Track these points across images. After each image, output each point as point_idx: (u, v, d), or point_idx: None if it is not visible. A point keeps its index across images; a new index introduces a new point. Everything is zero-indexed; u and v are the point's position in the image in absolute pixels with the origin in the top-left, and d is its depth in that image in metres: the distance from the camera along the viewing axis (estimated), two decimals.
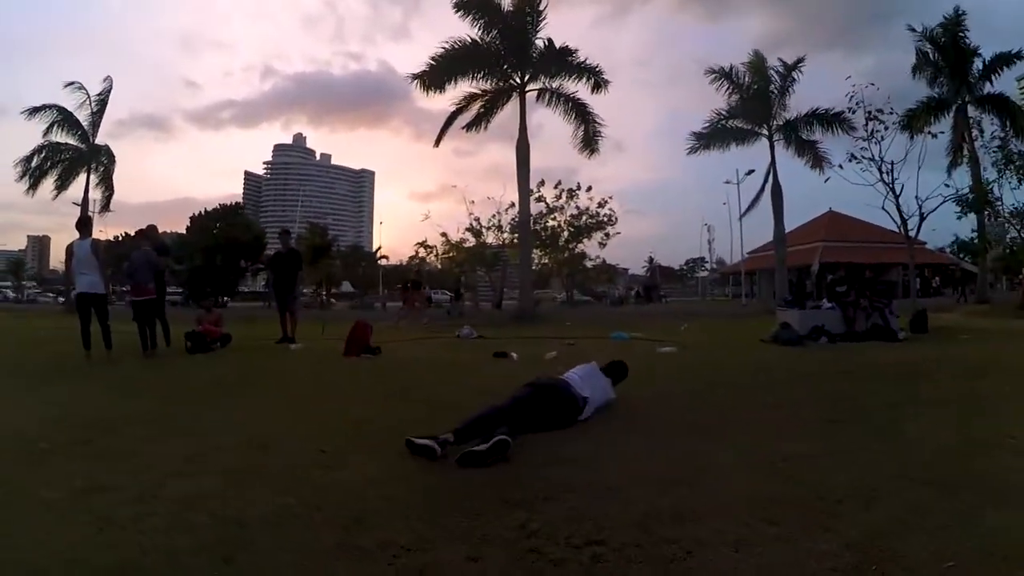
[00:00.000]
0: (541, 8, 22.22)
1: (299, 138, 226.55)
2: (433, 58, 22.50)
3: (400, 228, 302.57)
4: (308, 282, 44.60)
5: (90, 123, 30.86)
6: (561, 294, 55.00)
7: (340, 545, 2.44)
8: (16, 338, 14.60)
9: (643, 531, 2.52)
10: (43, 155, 30.54)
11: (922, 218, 19.30)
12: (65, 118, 30.30)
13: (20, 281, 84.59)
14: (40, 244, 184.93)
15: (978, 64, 27.25)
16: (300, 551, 2.41)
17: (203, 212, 55.22)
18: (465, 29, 22.39)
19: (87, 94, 30.51)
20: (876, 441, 4.09)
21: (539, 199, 33.72)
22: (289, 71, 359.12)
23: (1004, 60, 27.04)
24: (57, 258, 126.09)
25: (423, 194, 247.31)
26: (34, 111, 29.99)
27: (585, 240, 37.15)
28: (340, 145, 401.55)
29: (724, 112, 27.63)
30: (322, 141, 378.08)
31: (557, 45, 22.45)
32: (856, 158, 18.69)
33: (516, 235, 29.44)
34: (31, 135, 30.98)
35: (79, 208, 30.81)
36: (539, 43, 22.58)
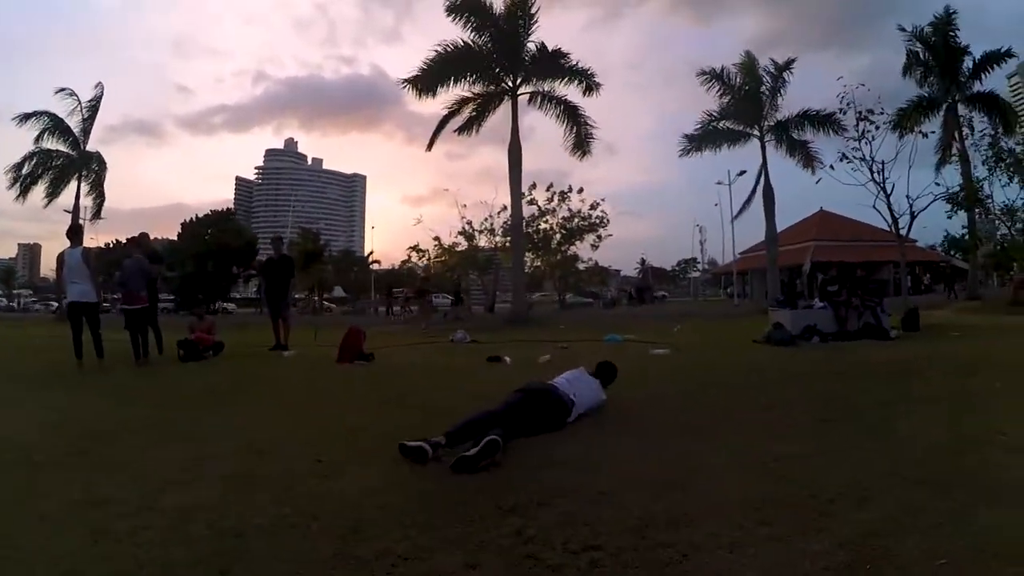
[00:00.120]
0: (533, 11, 22.27)
1: (291, 143, 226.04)
2: (425, 62, 22.51)
3: (392, 232, 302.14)
4: (300, 287, 44.48)
5: (81, 130, 30.79)
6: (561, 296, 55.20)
7: (337, 555, 2.44)
8: (11, 346, 14.54)
9: (638, 535, 2.54)
10: (34, 162, 30.40)
11: (913, 217, 19.45)
12: (56, 125, 30.18)
13: (11, 289, 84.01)
14: (31, 252, 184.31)
15: (968, 63, 27.43)
16: (297, 561, 2.41)
17: (195, 218, 55.05)
18: (457, 32, 22.44)
19: (78, 100, 30.48)
20: (868, 440, 4.12)
21: (531, 202, 33.78)
22: (281, 75, 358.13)
23: (994, 58, 27.23)
24: (48, 266, 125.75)
25: (415, 198, 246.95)
26: (25, 117, 29.85)
27: (577, 242, 37.24)
28: (332, 149, 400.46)
29: (715, 113, 27.77)
30: (314, 145, 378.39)
31: (549, 48, 22.51)
32: (847, 158, 18.83)
33: (508, 238, 29.45)
34: (22, 141, 30.88)
35: (70, 215, 30.68)
36: (531, 46, 22.65)
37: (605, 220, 36.67)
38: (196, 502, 3.04)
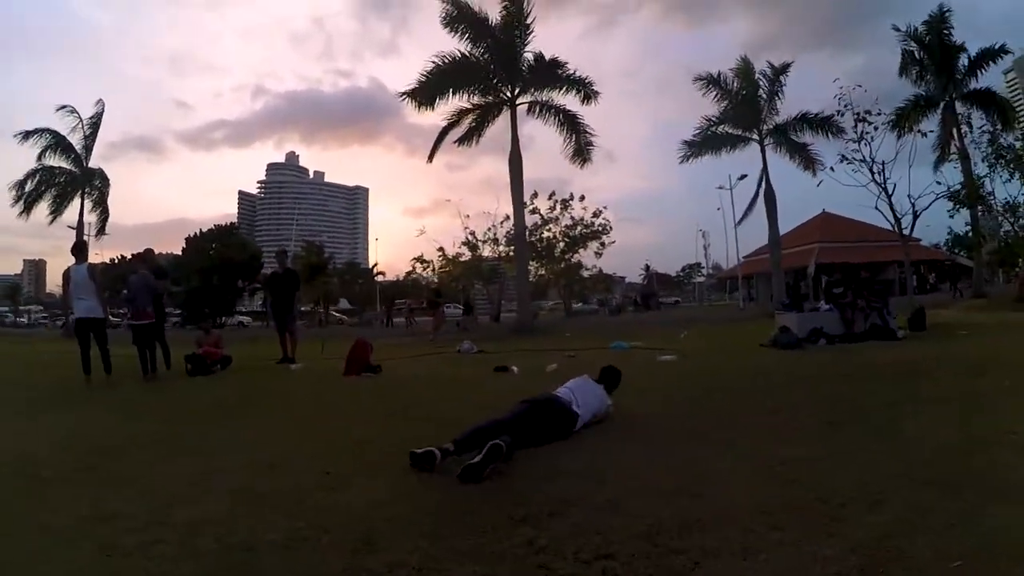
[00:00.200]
0: (528, 22, 22.37)
1: (292, 156, 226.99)
2: (423, 74, 22.61)
3: (395, 244, 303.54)
4: (306, 300, 44.57)
5: (83, 146, 30.94)
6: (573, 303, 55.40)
7: (348, 568, 2.44)
8: (19, 362, 14.59)
9: (650, 543, 2.53)
10: (37, 179, 30.55)
11: (915, 216, 19.44)
12: (58, 142, 30.35)
13: (17, 305, 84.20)
14: (36, 268, 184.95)
15: (964, 61, 27.40)
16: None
17: (199, 233, 55.18)
18: (454, 44, 22.56)
19: (79, 118, 30.63)
20: (876, 442, 4.10)
21: (533, 211, 33.89)
22: (280, 90, 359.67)
23: (989, 55, 27.22)
24: (53, 281, 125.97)
25: (417, 209, 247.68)
26: (27, 135, 30.03)
27: (581, 250, 37.27)
28: (333, 162, 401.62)
29: (714, 119, 27.78)
30: (315, 159, 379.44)
31: (546, 58, 22.59)
32: (847, 159, 18.84)
33: (512, 248, 29.47)
34: (25, 158, 31.10)
35: (75, 231, 30.86)
36: (528, 56, 22.75)
37: (608, 227, 36.73)
38: (205, 516, 3.05)
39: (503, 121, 23.96)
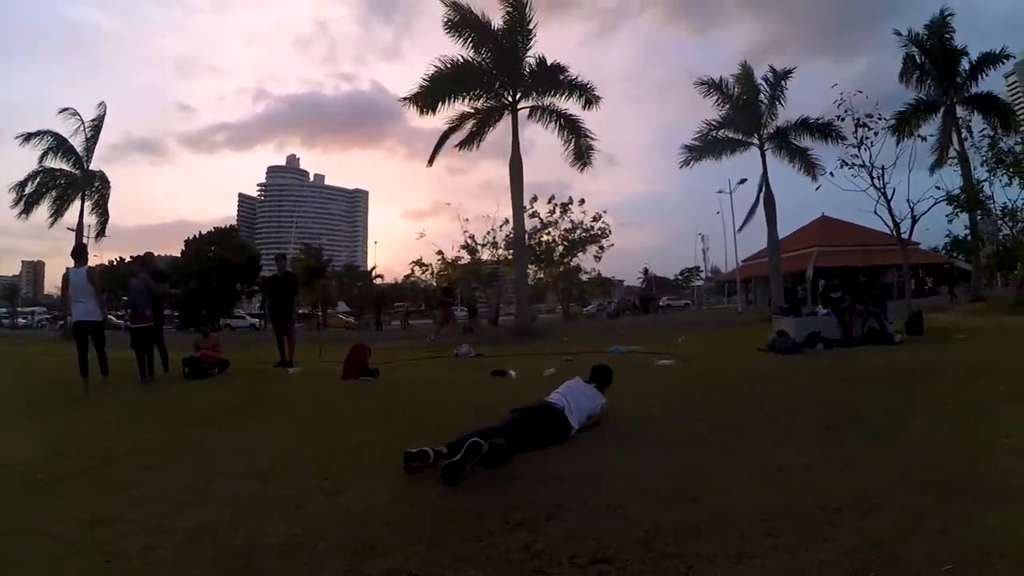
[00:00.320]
0: (531, 27, 22.33)
1: (292, 159, 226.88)
2: (425, 78, 22.59)
3: (395, 247, 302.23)
4: (304, 303, 44.54)
5: (84, 149, 30.85)
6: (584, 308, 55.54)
7: (347, 572, 2.46)
8: (18, 364, 14.58)
9: (645, 547, 2.56)
10: (37, 181, 30.51)
11: (914, 220, 19.44)
12: (59, 144, 30.24)
13: (15, 307, 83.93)
14: (35, 269, 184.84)
15: (965, 65, 27.38)
16: None
17: (198, 235, 55.16)
18: (456, 49, 22.52)
19: (81, 120, 30.55)
20: (873, 446, 4.13)
21: (533, 214, 33.85)
22: (282, 93, 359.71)
23: (991, 59, 27.15)
24: (52, 283, 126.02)
25: (417, 212, 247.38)
26: (28, 137, 29.99)
27: (580, 254, 37.28)
28: (333, 165, 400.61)
29: (715, 123, 27.76)
30: (315, 162, 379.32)
31: (548, 62, 22.58)
32: (847, 164, 18.84)
33: (511, 251, 29.49)
34: (27, 159, 30.96)
35: (74, 233, 30.81)
36: (530, 61, 22.69)
37: (607, 231, 36.76)
38: (205, 521, 3.06)
39: (504, 125, 23.94)
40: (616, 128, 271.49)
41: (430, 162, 25.11)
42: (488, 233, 34.89)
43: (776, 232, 27.80)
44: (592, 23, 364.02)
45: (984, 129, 24.58)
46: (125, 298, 10.18)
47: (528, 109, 23.71)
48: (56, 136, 30.27)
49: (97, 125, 31.10)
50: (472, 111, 23.65)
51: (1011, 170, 22.17)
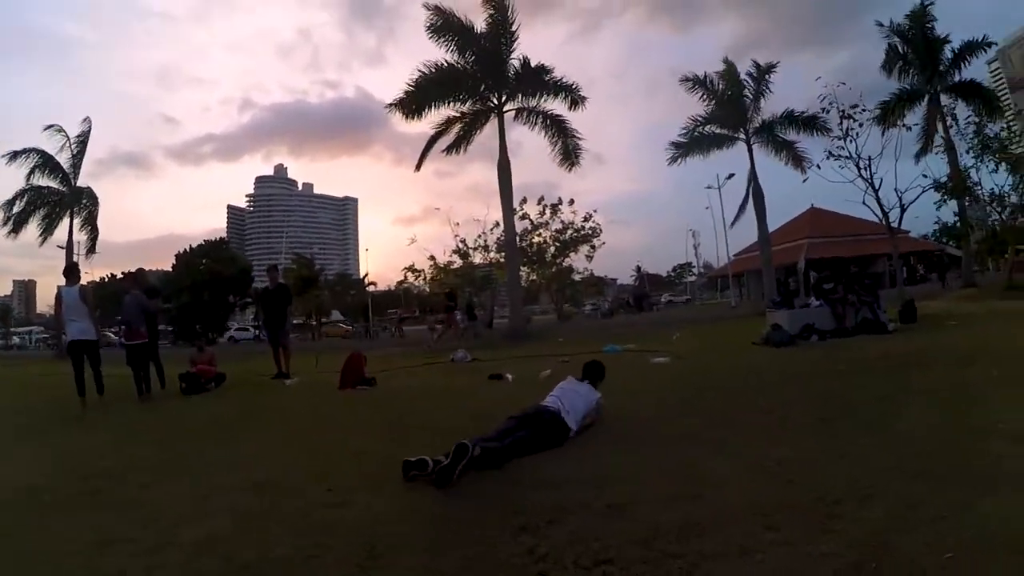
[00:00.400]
0: (514, 29, 22.37)
1: (280, 169, 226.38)
2: (410, 84, 22.59)
3: (386, 253, 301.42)
4: (298, 313, 44.40)
5: (71, 165, 30.68)
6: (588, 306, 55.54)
7: None
8: (16, 384, 14.51)
9: (648, 547, 2.58)
10: (25, 199, 30.34)
11: (903, 209, 19.59)
12: (46, 161, 30.05)
13: (8, 327, 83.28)
14: (26, 288, 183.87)
15: (948, 53, 27.50)
16: None
17: (189, 249, 54.95)
18: (440, 53, 22.54)
19: (66, 136, 30.40)
20: (869, 437, 4.17)
21: (523, 216, 33.84)
22: (266, 102, 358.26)
23: (973, 47, 27.26)
24: (44, 302, 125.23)
25: (407, 218, 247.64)
26: (14, 156, 29.80)
27: (572, 254, 37.26)
28: (322, 174, 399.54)
29: (700, 119, 27.82)
30: (303, 171, 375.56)
31: (532, 64, 22.61)
32: (833, 156, 18.97)
33: (503, 254, 29.48)
34: (13, 177, 30.78)
35: (64, 251, 30.63)
36: (514, 63, 22.74)
37: (598, 230, 36.77)
38: (209, 537, 3.07)
39: (491, 128, 23.95)
40: (603, 127, 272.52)
41: (418, 167, 25.12)
42: (479, 236, 34.84)
43: (766, 226, 27.90)
44: (575, 23, 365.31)
45: (969, 116, 24.75)
46: (118, 317, 10.15)
47: (514, 111, 23.74)
48: (42, 153, 30.11)
49: (83, 141, 30.94)
50: (458, 115, 23.67)
51: (997, 156, 22.35)
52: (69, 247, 31.04)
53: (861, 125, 18.91)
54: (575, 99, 23.11)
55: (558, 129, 23.56)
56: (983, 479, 3.10)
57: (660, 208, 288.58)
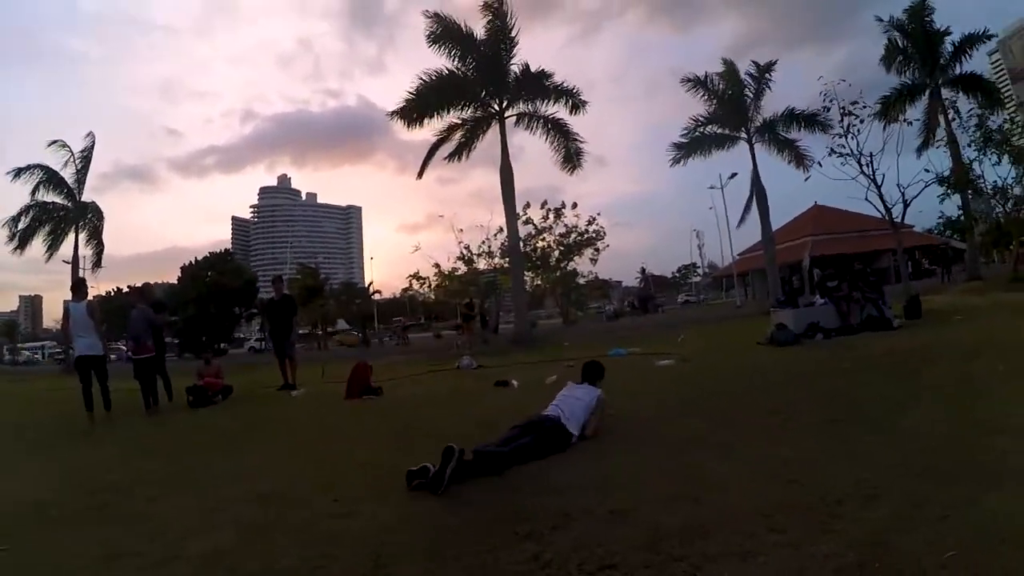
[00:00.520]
0: (513, 35, 22.40)
1: (284, 179, 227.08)
2: (411, 92, 22.64)
3: (391, 261, 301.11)
4: (304, 323, 44.45)
5: (75, 180, 30.79)
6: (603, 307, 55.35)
7: None
8: (22, 400, 14.57)
9: (652, 551, 2.59)
10: (30, 216, 30.48)
11: (906, 204, 19.54)
12: (50, 177, 30.17)
13: (15, 343, 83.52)
14: (32, 304, 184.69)
15: (948, 46, 27.39)
16: None
17: (194, 261, 55.10)
18: (441, 61, 22.56)
19: (70, 152, 30.52)
20: (873, 436, 4.16)
21: (527, 221, 33.86)
22: (269, 113, 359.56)
23: (974, 40, 27.15)
24: (50, 316, 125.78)
25: (411, 225, 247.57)
26: (19, 172, 29.95)
27: (576, 258, 37.26)
28: (325, 183, 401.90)
29: (702, 119, 27.81)
30: (307, 180, 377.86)
31: (533, 69, 22.64)
32: (835, 153, 18.95)
33: (507, 259, 29.48)
34: (19, 193, 30.94)
35: (70, 266, 30.75)
36: (514, 69, 22.78)
37: (601, 233, 36.76)
38: (217, 549, 3.09)
39: (492, 134, 23.97)
40: (604, 129, 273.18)
41: (420, 175, 25.15)
42: (483, 242, 34.87)
43: (770, 225, 27.87)
44: (574, 26, 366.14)
45: (972, 109, 24.64)
46: (125, 333, 10.22)
47: (515, 117, 23.78)
48: (46, 169, 30.25)
49: (87, 156, 31.06)
50: (460, 122, 23.71)
51: (1000, 148, 22.28)
52: (75, 262, 31.18)
53: (862, 121, 18.88)
54: (576, 103, 23.15)
55: (559, 133, 23.59)
56: (987, 475, 3.11)
57: (664, 209, 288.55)
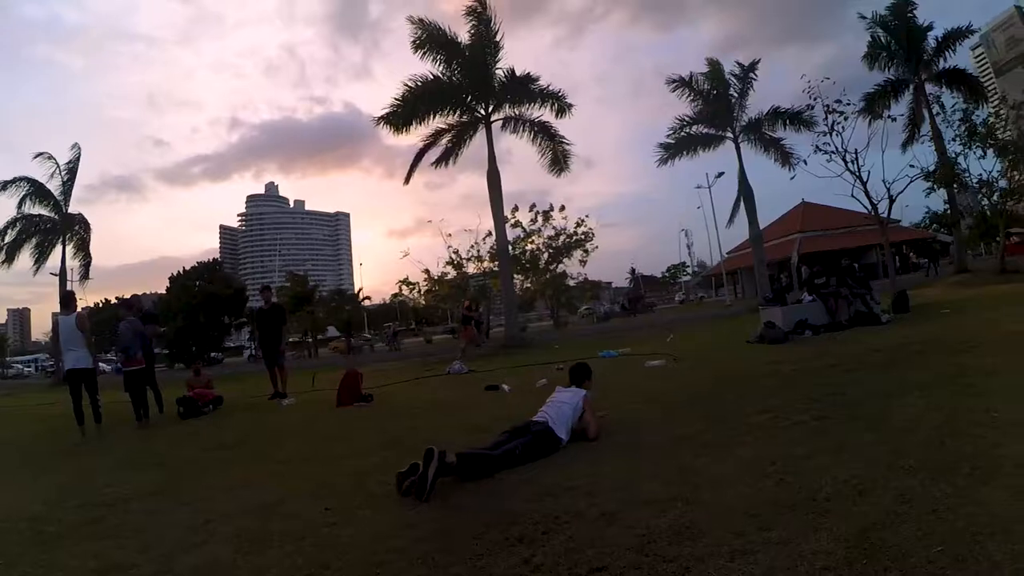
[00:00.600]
0: (498, 39, 22.44)
1: (271, 187, 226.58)
2: (397, 98, 22.63)
3: (380, 267, 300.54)
4: (294, 331, 44.29)
5: (62, 192, 30.65)
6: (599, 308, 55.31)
7: None
8: (14, 414, 14.46)
9: (642, 554, 2.61)
10: (17, 229, 30.30)
11: (891, 200, 19.65)
12: (36, 190, 30.06)
13: (4, 356, 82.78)
14: (20, 317, 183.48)
15: (931, 42, 27.56)
16: None
17: (182, 271, 54.81)
18: (426, 66, 22.59)
19: (56, 164, 30.37)
20: (862, 431, 4.18)
21: (515, 224, 33.86)
22: (255, 120, 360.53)
23: (957, 35, 27.30)
24: (39, 329, 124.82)
25: (400, 231, 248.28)
26: (5, 185, 29.78)
27: (565, 260, 37.28)
28: (312, 190, 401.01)
29: (687, 119, 27.89)
30: (294, 188, 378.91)
31: (518, 73, 22.68)
32: (820, 150, 19.03)
33: (496, 263, 29.46)
34: (4, 207, 30.84)
35: (57, 278, 30.62)
36: (500, 73, 22.80)
37: (590, 235, 36.80)
38: (210, 562, 3.09)
39: (479, 138, 23.97)
40: (590, 131, 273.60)
41: (407, 180, 25.11)
42: (472, 247, 34.84)
43: (757, 224, 28.00)
44: (559, 28, 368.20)
45: (956, 103, 24.79)
46: (114, 347, 10.20)
47: (502, 121, 23.80)
48: (32, 182, 30.11)
49: (73, 167, 30.94)
50: (446, 127, 23.68)
51: (985, 142, 22.43)
52: (63, 274, 31.04)
53: (846, 118, 18.97)
54: (561, 106, 23.18)
55: (546, 136, 23.62)
56: (977, 469, 3.12)
57: (652, 209, 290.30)
